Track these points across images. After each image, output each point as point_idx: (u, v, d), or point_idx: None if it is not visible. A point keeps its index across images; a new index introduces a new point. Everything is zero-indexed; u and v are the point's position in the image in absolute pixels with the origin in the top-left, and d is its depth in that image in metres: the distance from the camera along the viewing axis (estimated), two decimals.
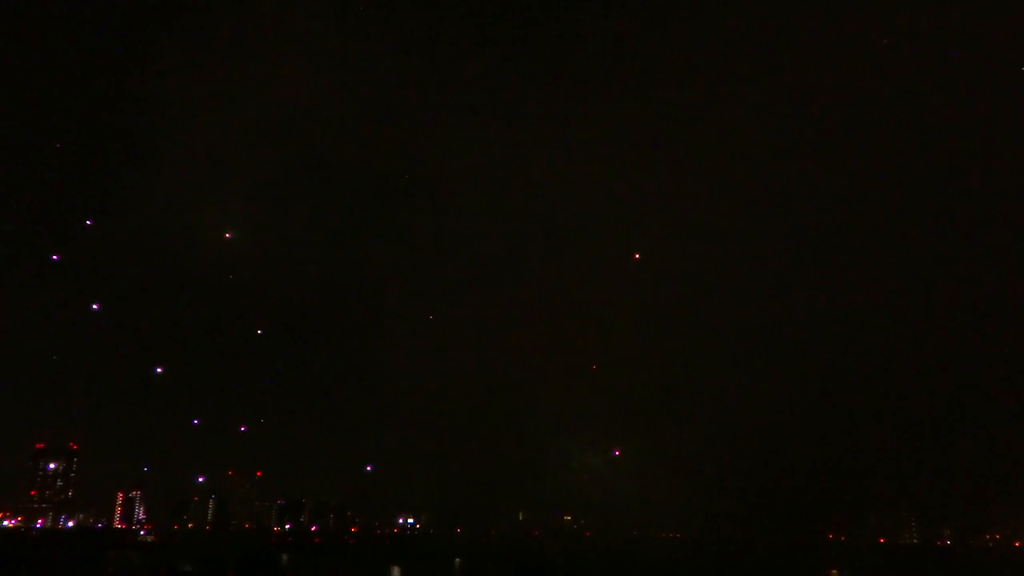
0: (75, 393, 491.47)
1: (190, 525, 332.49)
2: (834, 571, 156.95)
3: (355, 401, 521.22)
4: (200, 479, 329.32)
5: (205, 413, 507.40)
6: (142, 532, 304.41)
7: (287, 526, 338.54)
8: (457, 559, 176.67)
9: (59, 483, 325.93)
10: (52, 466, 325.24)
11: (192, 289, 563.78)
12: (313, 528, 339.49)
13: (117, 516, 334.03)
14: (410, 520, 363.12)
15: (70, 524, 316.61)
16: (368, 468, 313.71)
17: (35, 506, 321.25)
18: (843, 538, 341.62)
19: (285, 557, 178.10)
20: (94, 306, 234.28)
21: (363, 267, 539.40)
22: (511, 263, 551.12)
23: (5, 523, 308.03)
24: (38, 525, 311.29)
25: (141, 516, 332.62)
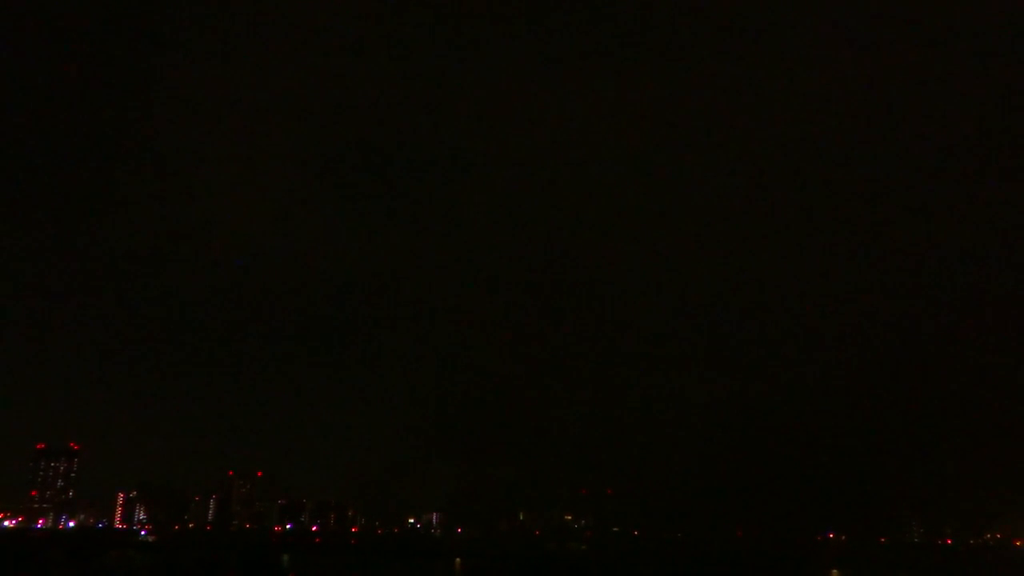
0: (75, 393, 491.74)
1: (191, 525, 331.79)
2: (835, 571, 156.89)
3: (360, 401, 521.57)
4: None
5: (206, 413, 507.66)
6: (143, 532, 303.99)
7: (288, 526, 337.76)
8: (457, 559, 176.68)
9: (60, 483, 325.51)
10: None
11: (194, 289, 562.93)
12: (314, 528, 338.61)
13: (118, 516, 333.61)
14: (411, 520, 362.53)
15: (71, 524, 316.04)
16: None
17: (36, 506, 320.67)
18: (843, 538, 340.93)
19: (286, 557, 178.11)
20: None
21: (372, 263, 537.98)
22: (527, 262, 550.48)
23: (6, 523, 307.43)
24: (39, 525, 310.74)
25: (142, 516, 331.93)
